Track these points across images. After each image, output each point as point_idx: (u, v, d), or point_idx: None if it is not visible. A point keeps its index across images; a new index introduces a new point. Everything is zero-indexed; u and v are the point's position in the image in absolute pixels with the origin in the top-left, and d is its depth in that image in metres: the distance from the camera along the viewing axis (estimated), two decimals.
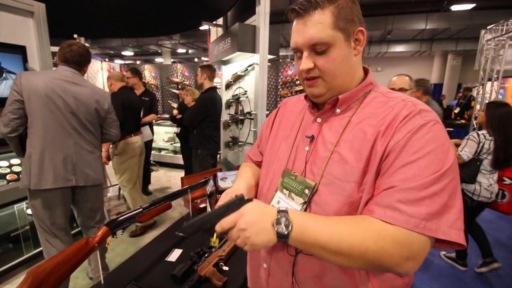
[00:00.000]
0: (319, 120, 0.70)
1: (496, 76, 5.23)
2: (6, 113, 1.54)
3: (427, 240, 0.50)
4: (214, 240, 1.32)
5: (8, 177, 2.17)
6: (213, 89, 2.99)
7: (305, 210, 0.64)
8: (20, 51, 2.12)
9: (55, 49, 1.81)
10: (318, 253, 0.55)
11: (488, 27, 5.19)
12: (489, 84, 5.40)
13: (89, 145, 1.78)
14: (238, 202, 0.62)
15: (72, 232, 2.50)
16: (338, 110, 0.67)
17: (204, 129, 2.91)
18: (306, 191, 0.64)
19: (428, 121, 0.55)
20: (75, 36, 3.77)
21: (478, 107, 5.48)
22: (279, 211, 0.56)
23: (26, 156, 1.61)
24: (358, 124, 0.62)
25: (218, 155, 3.41)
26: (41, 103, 1.57)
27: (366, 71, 0.70)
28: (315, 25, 0.60)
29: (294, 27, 0.64)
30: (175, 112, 3.87)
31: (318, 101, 0.70)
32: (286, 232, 0.53)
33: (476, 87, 5.66)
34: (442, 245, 0.54)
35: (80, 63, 1.75)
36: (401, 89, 2.07)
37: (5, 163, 2.21)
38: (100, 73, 5.68)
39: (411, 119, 0.56)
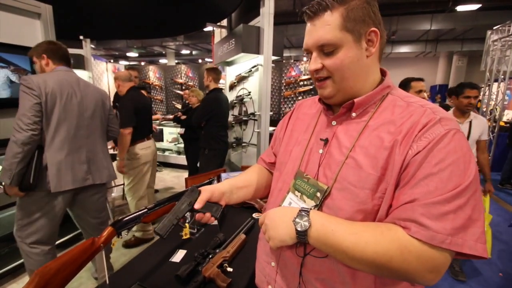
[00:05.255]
0: (334, 123, 0.69)
1: (502, 77, 5.18)
2: (30, 116, 1.46)
3: (450, 253, 0.50)
4: (186, 232, 1.34)
5: None
6: (218, 90, 3.01)
7: None
8: (27, 52, 2.14)
9: None
10: (340, 257, 0.55)
11: (495, 28, 5.14)
12: (495, 85, 5.34)
13: (100, 142, 1.83)
14: (191, 190, 0.78)
15: (73, 234, 2.56)
16: (353, 114, 0.66)
17: (210, 128, 2.94)
18: (318, 194, 0.64)
19: (448, 130, 0.54)
20: (81, 37, 3.79)
21: (484, 108, 5.42)
22: (301, 210, 0.58)
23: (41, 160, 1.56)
24: (375, 130, 0.61)
25: None
26: (57, 105, 1.57)
27: (383, 73, 0.69)
28: (323, 27, 0.60)
29: (306, 28, 0.65)
30: (168, 115, 3.86)
31: (329, 102, 0.69)
32: (304, 229, 0.56)
33: (483, 88, 5.60)
34: (458, 256, 0.53)
35: (69, 61, 1.76)
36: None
37: None
38: (105, 74, 5.71)
39: (431, 127, 0.54)
